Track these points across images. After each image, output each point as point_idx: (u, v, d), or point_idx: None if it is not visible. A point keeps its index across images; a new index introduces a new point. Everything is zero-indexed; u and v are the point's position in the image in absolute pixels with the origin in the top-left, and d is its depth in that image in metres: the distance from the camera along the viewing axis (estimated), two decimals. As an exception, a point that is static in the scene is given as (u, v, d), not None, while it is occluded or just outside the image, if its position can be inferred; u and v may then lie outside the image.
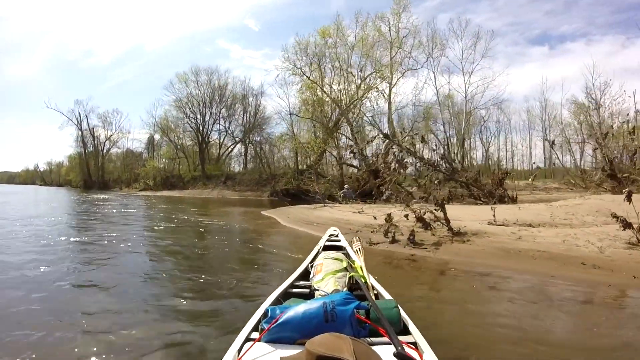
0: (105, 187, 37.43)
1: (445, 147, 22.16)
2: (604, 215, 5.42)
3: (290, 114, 22.71)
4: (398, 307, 1.43)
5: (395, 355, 0.94)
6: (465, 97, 23.27)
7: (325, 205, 10.31)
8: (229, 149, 33.47)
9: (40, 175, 65.18)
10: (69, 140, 56.67)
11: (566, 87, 35.85)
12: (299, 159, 23.74)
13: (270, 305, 1.57)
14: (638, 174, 8.12)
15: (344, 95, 20.45)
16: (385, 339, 1.17)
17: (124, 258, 4.57)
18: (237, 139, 32.60)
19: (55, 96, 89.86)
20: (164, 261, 4.55)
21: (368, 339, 1.21)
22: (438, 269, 4.03)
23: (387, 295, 1.73)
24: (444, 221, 5.19)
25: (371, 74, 20.34)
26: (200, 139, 32.53)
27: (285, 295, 1.82)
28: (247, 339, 1.27)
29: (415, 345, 1.24)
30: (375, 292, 1.78)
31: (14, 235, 6.19)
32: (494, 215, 5.51)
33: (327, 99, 20.51)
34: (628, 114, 11.82)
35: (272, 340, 1.20)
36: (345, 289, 1.76)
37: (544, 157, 24.17)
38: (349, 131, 20.25)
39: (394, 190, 8.72)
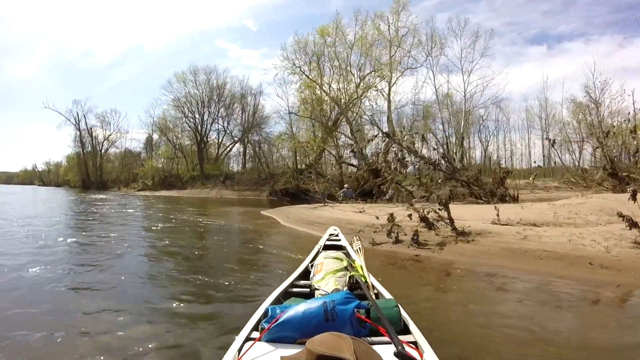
0: (103, 187, 37.34)
1: (445, 146, 22.15)
2: (608, 215, 5.38)
3: (289, 113, 22.74)
4: (398, 307, 1.43)
5: (395, 354, 0.94)
6: (465, 96, 23.36)
7: (325, 205, 10.25)
8: (228, 149, 33.45)
9: (39, 175, 64.93)
10: (67, 140, 56.74)
11: (565, 87, 36.08)
12: (298, 158, 23.75)
13: (271, 304, 1.57)
14: (639, 173, 8.08)
15: (343, 94, 20.46)
16: (386, 339, 1.17)
17: (122, 259, 4.52)
18: (235, 139, 32.58)
19: (54, 96, 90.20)
20: (163, 262, 4.50)
21: (368, 339, 1.21)
22: (443, 270, 3.97)
23: (387, 295, 1.73)
24: (448, 221, 5.14)
25: (370, 72, 20.37)
26: (198, 138, 32.45)
27: (286, 295, 1.83)
28: (248, 339, 1.27)
29: (415, 344, 1.24)
30: (376, 291, 1.78)
31: (12, 235, 6.14)
32: (497, 215, 5.45)
33: (326, 98, 20.50)
34: (629, 113, 11.75)
35: (272, 340, 1.20)
36: (345, 288, 1.77)
37: (543, 156, 24.14)
38: (349, 130, 20.26)
39: (394, 189, 8.67)
